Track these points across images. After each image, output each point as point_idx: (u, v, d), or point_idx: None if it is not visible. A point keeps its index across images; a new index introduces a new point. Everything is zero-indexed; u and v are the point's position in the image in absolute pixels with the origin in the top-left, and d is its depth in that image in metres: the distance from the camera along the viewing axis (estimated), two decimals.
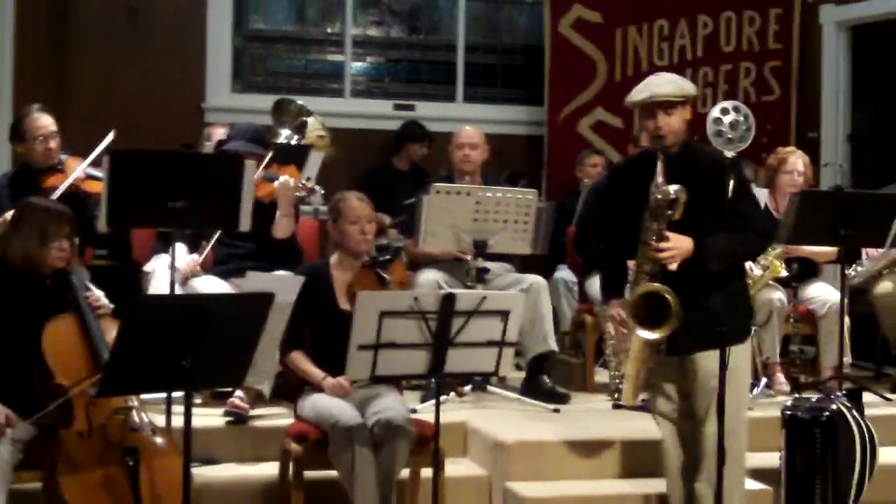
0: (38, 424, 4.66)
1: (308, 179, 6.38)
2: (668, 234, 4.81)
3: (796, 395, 5.94)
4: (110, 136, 6.09)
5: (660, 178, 4.80)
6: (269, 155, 6.39)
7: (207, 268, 6.33)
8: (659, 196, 4.75)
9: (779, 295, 6.72)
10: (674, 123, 4.89)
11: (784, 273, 6.69)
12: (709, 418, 4.91)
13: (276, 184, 6.16)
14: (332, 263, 5.45)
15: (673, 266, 4.81)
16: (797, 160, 7.00)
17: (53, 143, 6.12)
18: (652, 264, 4.85)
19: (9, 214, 5.61)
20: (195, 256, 6.26)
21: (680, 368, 5.03)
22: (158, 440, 4.70)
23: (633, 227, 4.92)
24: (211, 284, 6.14)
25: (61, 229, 4.88)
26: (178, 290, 6.01)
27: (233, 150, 6.26)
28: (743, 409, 5.07)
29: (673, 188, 4.74)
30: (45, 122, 6.11)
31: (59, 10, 9.22)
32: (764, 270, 6.68)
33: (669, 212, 4.78)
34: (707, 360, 4.89)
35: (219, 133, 7.33)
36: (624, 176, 5.22)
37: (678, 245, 4.81)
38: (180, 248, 6.08)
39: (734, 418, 4.82)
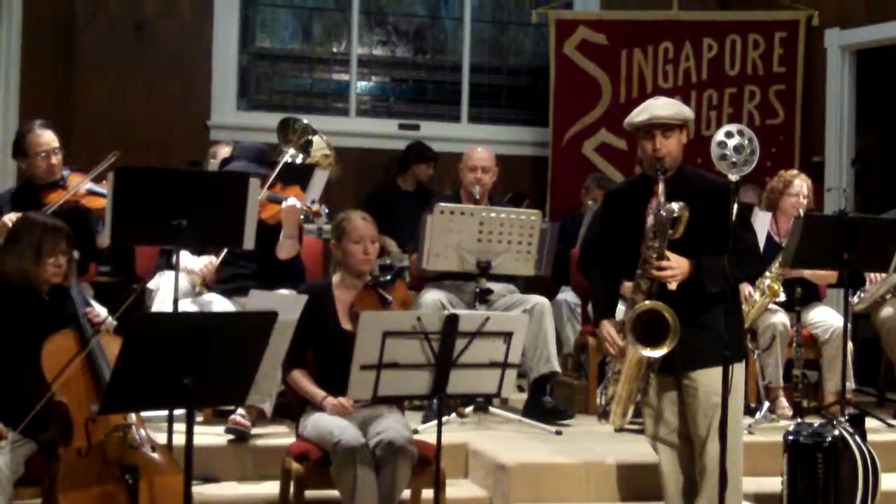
0: (37, 440, 4.66)
1: (313, 202, 6.38)
2: (668, 254, 4.84)
3: (799, 420, 5.92)
4: (111, 158, 6.08)
5: (661, 198, 4.83)
6: (274, 174, 6.38)
7: (212, 285, 6.33)
8: (663, 213, 4.78)
9: (782, 319, 6.72)
10: (671, 146, 4.94)
11: (783, 296, 6.67)
12: (710, 437, 4.91)
13: (282, 206, 6.15)
14: (335, 283, 5.45)
15: (672, 286, 4.84)
16: (802, 183, 6.99)
17: (55, 159, 6.11)
18: (649, 283, 4.89)
19: (7, 218, 5.62)
20: (212, 258, 6.25)
21: (677, 387, 5.04)
22: (158, 457, 4.68)
23: (629, 249, 4.96)
24: (216, 302, 6.15)
25: (57, 245, 4.86)
26: (189, 303, 6.03)
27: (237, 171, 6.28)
28: (740, 429, 5.09)
29: (676, 206, 4.77)
30: (47, 138, 6.11)
31: (65, 26, 9.24)
32: (762, 295, 6.68)
33: (671, 230, 4.81)
34: (707, 378, 4.91)
35: (224, 151, 7.34)
36: (620, 199, 5.25)
37: (678, 265, 4.85)
38: (185, 254, 6.08)
39: (732, 438, 4.82)
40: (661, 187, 4.85)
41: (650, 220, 4.90)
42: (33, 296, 4.86)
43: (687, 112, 5.07)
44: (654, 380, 5.05)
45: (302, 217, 6.25)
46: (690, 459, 5.06)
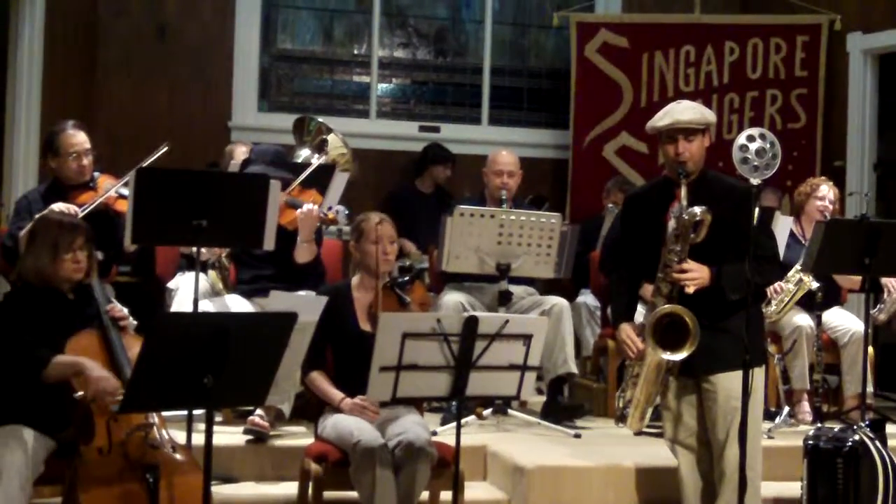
0: (57, 439, 4.68)
1: (330, 208, 6.38)
2: (689, 260, 4.87)
3: (819, 425, 5.90)
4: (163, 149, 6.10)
5: (684, 202, 4.83)
6: (298, 181, 6.38)
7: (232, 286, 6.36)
8: (685, 217, 4.79)
9: (808, 321, 6.68)
10: (694, 150, 4.94)
11: (815, 284, 6.62)
12: (729, 441, 4.90)
13: (298, 212, 6.15)
14: (354, 284, 5.45)
15: (690, 289, 4.85)
16: (829, 189, 7.02)
17: (87, 160, 6.13)
18: (670, 287, 4.91)
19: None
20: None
21: (697, 391, 5.03)
22: (178, 457, 4.69)
23: (649, 252, 4.97)
24: (236, 304, 6.16)
25: (74, 241, 4.86)
26: (209, 303, 6.05)
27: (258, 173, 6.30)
28: (759, 434, 5.07)
29: (699, 209, 4.78)
30: (80, 139, 6.13)
31: (87, 28, 9.28)
32: (796, 285, 6.64)
33: (693, 234, 4.81)
34: (727, 382, 4.91)
35: (241, 151, 7.34)
36: (641, 202, 5.25)
37: (699, 270, 4.87)
38: None
39: (751, 443, 4.82)
40: (683, 191, 4.85)
41: (672, 223, 4.91)
42: (57, 295, 4.86)
43: (709, 116, 5.06)
44: (674, 383, 5.05)
45: (321, 223, 6.26)
46: (709, 463, 5.06)
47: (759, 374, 4.95)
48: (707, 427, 5.03)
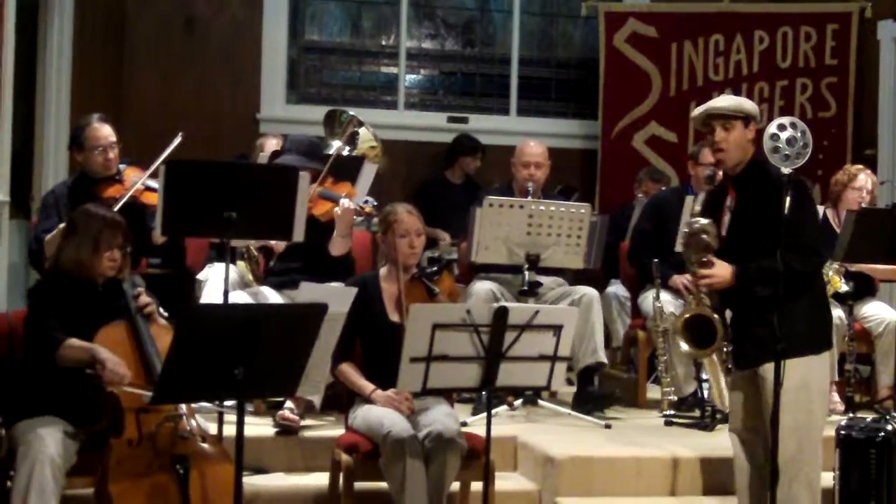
0: (90, 431, 4.70)
1: (367, 202, 6.38)
2: (714, 259, 4.88)
3: (851, 415, 5.87)
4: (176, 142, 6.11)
5: (697, 207, 4.88)
6: (325, 169, 6.38)
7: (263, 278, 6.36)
8: (694, 226, 4.88)
9: (838, 312, 6.63)
10: (732, 139, 4.90)
11: (844, 287, 6.59)
12: (782, 435, 4.81)
13: (336, 209, 6.14)
14: (382, 275, 5.45)
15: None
16: (867, 178, 6.96)
17: (112, 154, 6.14)
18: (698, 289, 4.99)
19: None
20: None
21: (752, 382, 4.96)
22: (208, 448, 4.71)
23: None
24: (266, 295, 6.17)
25: (114, 238, 4.90)
26: (244, 295, 6.05)
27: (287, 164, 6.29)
28: (813, 428, 4.88)
29: (703, 221, 4.88)
30: (105, 132, 6.14)
31: (116, 20, 9.31)
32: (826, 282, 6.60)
33: (704, 238, 4.87)
34: (771, 374, 4.83)
35: (271, 143, 7.34)
36: (708, 201, 5.12)
37: (719, 273, 4.87)
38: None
39: (806, 436, 4.76)
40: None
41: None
42: (89, 286, 4.90)
43: (748, 105, 4.99)
44: (733, 373, 5.02)
45: (357, 218, 6.25)
46: (764, 455, 4.96)
47: (818, 363, 4.84)
48: (762, 417, 4.96)
